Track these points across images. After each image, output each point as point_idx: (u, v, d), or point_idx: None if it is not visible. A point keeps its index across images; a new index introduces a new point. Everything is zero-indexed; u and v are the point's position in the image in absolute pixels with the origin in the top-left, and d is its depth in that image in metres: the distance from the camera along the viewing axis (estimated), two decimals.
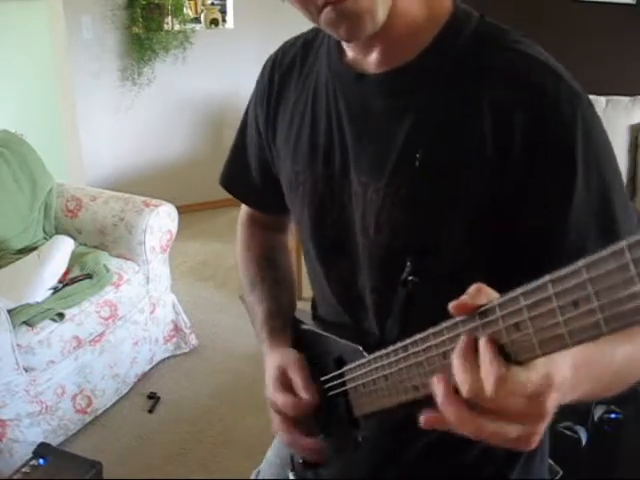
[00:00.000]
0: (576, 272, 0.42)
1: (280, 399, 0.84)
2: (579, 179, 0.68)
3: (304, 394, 0.82)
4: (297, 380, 0.83)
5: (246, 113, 0.99)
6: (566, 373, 0.51)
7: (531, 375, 0.49)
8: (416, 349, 0.60)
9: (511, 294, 0.49)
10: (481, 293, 0.53)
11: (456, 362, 0.53)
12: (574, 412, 1.88)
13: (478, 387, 0.51)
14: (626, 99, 3.23)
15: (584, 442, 1.86)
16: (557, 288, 0.44)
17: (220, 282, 3.51)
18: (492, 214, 0.71)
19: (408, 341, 0.61)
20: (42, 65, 4.08)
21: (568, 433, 1.86)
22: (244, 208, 1.12)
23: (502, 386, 0.49)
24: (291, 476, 0.95)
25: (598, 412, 1.90)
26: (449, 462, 0.88)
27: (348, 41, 0.75)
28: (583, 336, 0.43)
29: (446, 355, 0.56)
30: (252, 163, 1.00)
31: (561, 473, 1.67)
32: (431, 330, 0.57)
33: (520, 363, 0.50)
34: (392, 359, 0.65)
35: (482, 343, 0.51)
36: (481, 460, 0.87)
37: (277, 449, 1.10)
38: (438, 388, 0.54)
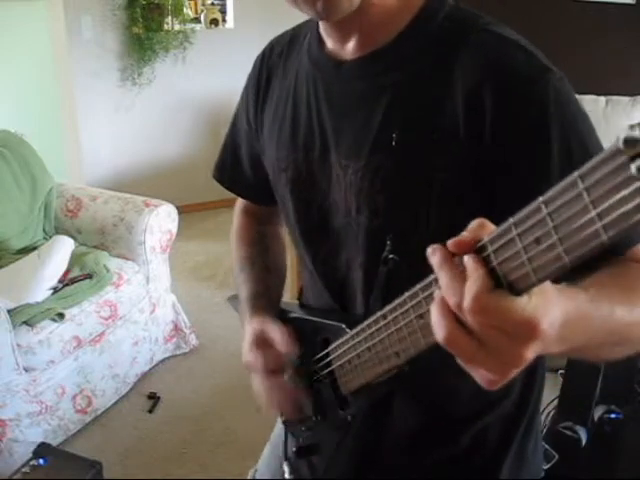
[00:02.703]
0: (536, 210, 0.43)
1: (256, 357, 0.89)
2: (555, 152, 0.68)
3: (284, 348, 0.86)
4: (276, 337, 0.88)
5: (238, 107, 1.02)
6: (555, 321, 0.47)
7: (518, 305, 0.46)
8: (395, 314, 0.61)
9: (480, 243, 0.48)
10: (484, 228, 0.49)
11: (442, 273, 0.50)
12: (574, 412, 1.89)
13: (460, 300, 0.48)
14: (626, 99, 3.23)
15: (584, 442, 1.86)
16: (520, 229, 0.45)
17: (220, 282, 3.51)
18: (469, 192, 0.72)
19: (387, 308, 0.62)
20: (42, 65, 4.08)
21: (568, 433, 1.86)
22: (239, 200, 1.14)
23: (482, 304, 0.46)
24: (285, 467, 0.96)
25: (598, 412, 1.90)
26: (439, 450, 0.89)
27: (323, 19, 0.76)
28: (547, 271, 0.44)
29: (423, 316, 0.56)
30: (244, 156, 1.03)
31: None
32: (407, 294, 0.58)
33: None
34: (373, 329, 0.66)
35: (469, 257, 0.48)
36: (472, 448, 0.88)
37: (273, 446, 1.10)
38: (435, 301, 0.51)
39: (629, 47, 3.42)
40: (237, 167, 1.04)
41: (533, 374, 0.89)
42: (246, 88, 0.99)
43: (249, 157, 1.02)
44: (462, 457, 0.88)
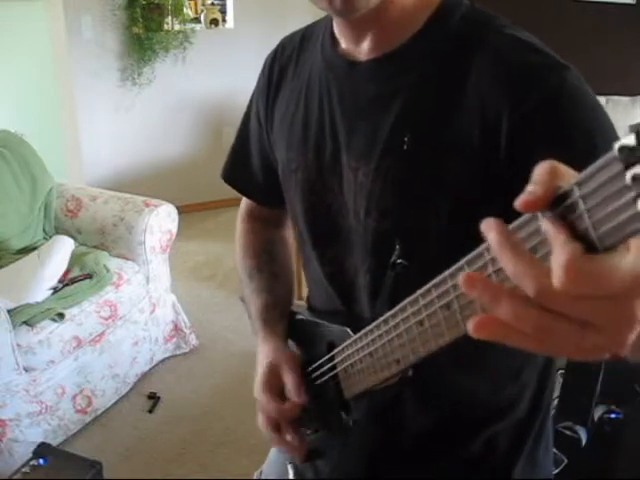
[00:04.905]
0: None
1: (266, 402, 0.87)
2: (579, 147, 0.66)
3: (294, 398, 0.84)
4: (288, 383, 0.85)
5: (249, 106, 1.01)
6: None
7: (620, 261, 0.36)
8: (396, 321, 0.60)
9: (561, 190, 0.41)
10: (556, 176, 0.40)
11: (508, 254, 0.40)
12: (574, 412, 1.89)
13: (544, 281, 0.38)
14: (626, 99, 3.23)
15: (584, 442, 1.86)
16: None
17: (220, 282, 3.51)
18: (481, 197, 0.71)
19: (388, 314, 0.62)
20: (42, 65, 4.08)
21: (568, 433, 1.86)
22: (244, 202, 1.12)
23: (578, 272, 0.37)
24: (290, 469, 0.96)
25: (598, 412, 1.90)
26: (451, 452, 0.88)
27: (341, 15, 0.73)
28: None
29: (422, 323, 0.55)
30: (254, 156, 1.02)
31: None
32: (407, 300, 0.57)
33: None
34: (375, 335, 0.66)
35: (548, 222, 0.39)
36: (485, 451, 0.87)
37: (278, 449, 1.10)
38: (486, 284, 0.43)
39: (629, 47, 3.43)
40: (246, 167, 1.03)
41: (546, 376, 0.88)
42: (257, 87, 0.98)
43: (259, 157, 1.01)
44: (473, 461, 0.88)
